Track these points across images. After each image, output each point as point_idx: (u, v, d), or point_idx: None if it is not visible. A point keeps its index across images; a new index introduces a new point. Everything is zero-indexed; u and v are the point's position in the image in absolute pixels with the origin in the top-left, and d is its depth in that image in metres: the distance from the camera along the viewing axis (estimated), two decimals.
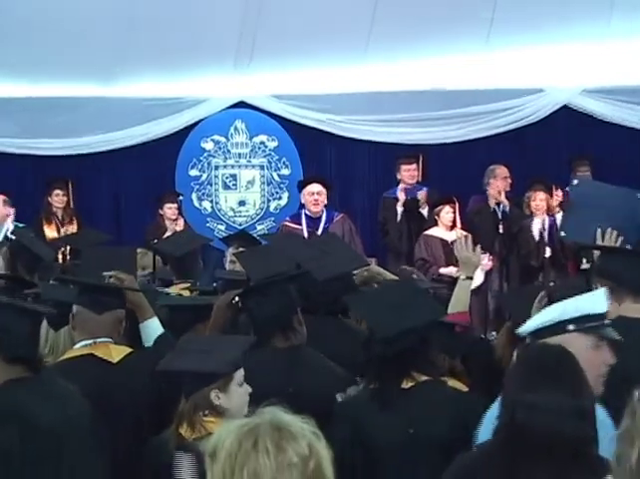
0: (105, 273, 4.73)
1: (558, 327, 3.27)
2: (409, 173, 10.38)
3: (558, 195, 10.01)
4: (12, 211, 9.96)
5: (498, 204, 9.93)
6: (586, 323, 3.28)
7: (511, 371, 3.08)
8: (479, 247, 5.29)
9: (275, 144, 11.37)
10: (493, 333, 8.07)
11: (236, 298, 4.58)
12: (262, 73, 10.91)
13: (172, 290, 6.12)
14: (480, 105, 11.15)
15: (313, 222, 9.82)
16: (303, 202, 10.03)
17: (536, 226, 9.93)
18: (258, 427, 2.21)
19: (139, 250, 6.40)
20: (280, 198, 11.40)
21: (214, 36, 10.43)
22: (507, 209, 9.93)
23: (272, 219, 11.34)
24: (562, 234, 5.66)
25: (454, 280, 5.31)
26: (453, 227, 9.86)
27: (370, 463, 3.78)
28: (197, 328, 4.72)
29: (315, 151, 11.41)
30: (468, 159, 11.15)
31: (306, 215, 9.89)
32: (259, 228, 11.23)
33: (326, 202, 9.93)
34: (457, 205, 9.93)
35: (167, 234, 9.47)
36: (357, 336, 4.36)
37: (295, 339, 4.28)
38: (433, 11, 10.32)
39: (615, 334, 3.33)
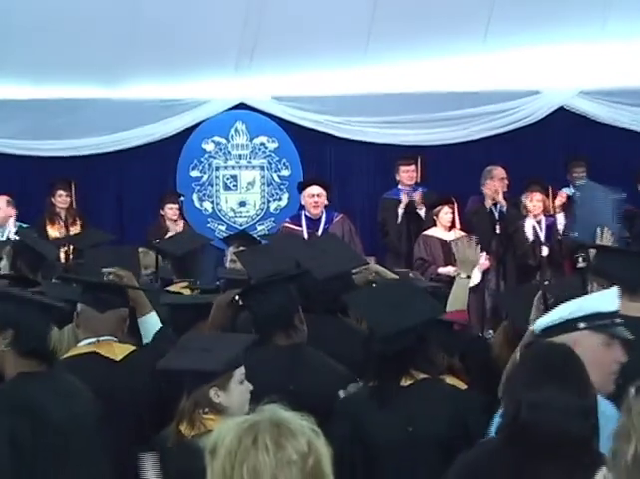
0: (103, 271, 4.75)
1: (569, 325, 3.28)
2: (407, 173, 10.42)
3: (563, 195, 10.06)
4: (14, 211, 10.01)
5: (496, 204, 9.96)
6: (597, 322, 3.29)
7: (516, 370, 3.11)
8: (478, 247, 5.34)
9: (275, 145, 11.38)
10: (491, 332, 8.09)
11: (236, 298, 4.59)
12: (263, 75, 10.91)
13: (174, 289, 6.14)
14: (477, 106, 11.17)
15: (313, 222, 9.86)
16: (303, 203, 10.07)
17: (530, 225, 9.93)
18: (258, 424, 2.22)
19: (140, 250, 6.46)
20: (280, 198, 11.42)
21: (216, 39, 10.44)
22: (505, 209, 9.95)
23: (272, 219, 11.36)
24: (574, 234, 5.66)
25: (451, 280, 5.34)
26: (451, 227, 9.87)
27: (369, 460, 3.80)
28: (199, 327, 4.73)
29: (315, 152, 11.42)
30: (466, 159, 11.14)
31: (306, 215, 9.93)
32: (260, 227, 11.24)
33: (326, 202, 9.96)
34: (455, 205, 9.94)
35: (170, 233, 9.46)
36: (356, 335, 4.40)
37: (296, 338, 4.30)
38: (431, 13, 10.34)
39: (627, 333, 3.33)
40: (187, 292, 6.06)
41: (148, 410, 4.25)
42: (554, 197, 10.13)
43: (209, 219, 11.37)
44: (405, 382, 3.83)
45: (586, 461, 2.70)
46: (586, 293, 4.05)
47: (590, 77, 11.16)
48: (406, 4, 10.36)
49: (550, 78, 11.20)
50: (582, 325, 3.27)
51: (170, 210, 10.39)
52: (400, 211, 10.28)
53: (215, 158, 11.37)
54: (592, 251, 4.74)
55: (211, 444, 2.24)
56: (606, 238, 4.75)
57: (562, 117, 11.39)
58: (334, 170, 11.43)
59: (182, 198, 10.77)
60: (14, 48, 10.29)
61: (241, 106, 11.31)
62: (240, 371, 3.64)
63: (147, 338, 4.60)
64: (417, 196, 10.26)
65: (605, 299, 3.39)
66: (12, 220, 9.97)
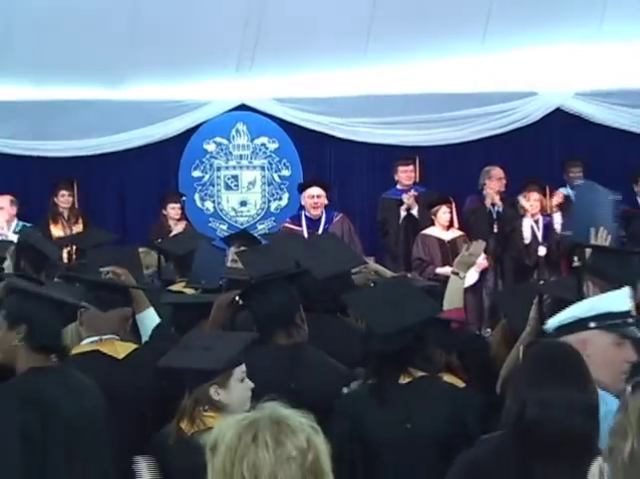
0: (102, 269, 4.82)
1: (581, 324, 3.29)
2: (406, 174, 10.47)
3: (559, 196, 10.09)
4: (15, 211, 10.05)
5: (494, 204, 10.01)
6: (608, 321, 3.29)
7: (518, 369, 3.13)
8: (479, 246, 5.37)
9: (276, 145, 11.40)
10: (488, 330, 8.17)
11: (237, 298, 4.57)
12: (263, 76, 10.94)
13: (175, 288, 6.16)
14: (475, 108, 11.19)
15: (313, 223, 9.90)
16: (303, 204, 10.11)
17: (527, 225, 9.96)
18: (258, 421, 2.22)
19: (141, 250, 6.46)
20: (281, 198, 11.44)
21: (216, 41, 10.46)
22: (502, 209, 10.00)
23: (273, 218, 11.38)
24: (568, 233, 5.66)
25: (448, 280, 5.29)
26: (449, 226, 9.91)
27: (368, 458, 3.82)
28: (201, 325, 4.71)
29: (315, 152, 11.44)
30: (464, 160, 11.19)
31: (306, 216, 9.97)
32: (260, 227, 11.26)
33: (326, 202, 10.01)
34: (453, 205, 9.97)
35: (172, 233, 9.46)
36: (356, 334, 4.38)
37: (297, 336, 4.30)
38: (429, 15, 10.37)
39: (638, 332, 3.33)
40: (188, 291, 6.06)
41: (150, 408, 4.25)
42: (551, 196, 10.14)
43: (211, 218, 11.39)
44: (403, 380, 3.86)
45: (590, 459, 2.67)
46: (581, 292, 4.06)
47: (586, 78, 11.18)
48: (404, 6, 10.39)
49: (547, 80, 11.22)
50: (593, 324, 3.29)
51: (172, 210, 10.42)
52: (403, 213, 10.31)
53: (216, 158, 11.38)
54: (588, 251, 4.70)
55: (212, 441, 2.24)
56: (602, 237, 4.71)
57: (559, 118, 11.42)
58: (334, 170, 11.46)
59: (184, 198, 10.81)
60: (16, 50, 10.31)
61: (242, 107, 11.32)
62: (240, 369, 3.65)
63: (145, 334, 4.65)
64: (409, 196, 10.30)
65: (617, 299, 3.39)
66: (15, 219, 10.04)
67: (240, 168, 11.46)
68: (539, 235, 9.96)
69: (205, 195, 11.42)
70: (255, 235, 8.48)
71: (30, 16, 10.06)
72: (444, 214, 9.92)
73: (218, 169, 11.42)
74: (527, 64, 10.98)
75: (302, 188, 10.20)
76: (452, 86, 11.11)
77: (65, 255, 8.52)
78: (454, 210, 9.99)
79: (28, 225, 9.88)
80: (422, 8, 10.35)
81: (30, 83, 10.83)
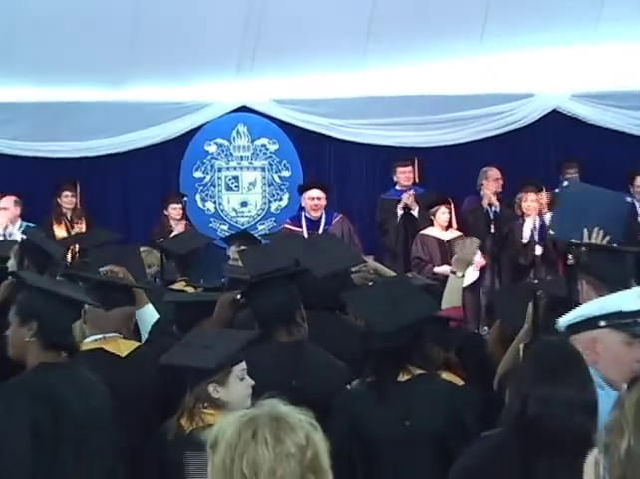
0: (101, 270, 4.84)
1: (591, 323, 3.28)
2: (404, 174, 10.50)
3: (542, 196, 10.05)
4: (19, 211, 10.12)
5: (491, 204, 10.04)
6: (618, 320, 3.27)
7: (520, 367, 3.13)
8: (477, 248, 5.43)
9: (276, 146, 11.40)
10: (486, 329, 8.23)
11: (238, 297, 4.61)
12: (264, 78, 10.95)
13: (177, 287, 6.21)
14: (473, 109, 11.18)
15: (313, 223, 9.97)
16: (303, 204, 10.19)
17: (528, 226, 9.99)
18: (257, 419, 2.22)
19: (142, 249, 6.49)
20: (281, 198, 11.44)
21: (217, 43, 10.47)
22: (499, 209, 10.03)
23: (273, 218, 11.39)
24: (551, 232, 5.59)
25: (447, 279, 5.32)
26: (448, 226, 9.96)
27: (367, 455, 3.84)
28: (203, 324, 4.72)
29: (314, 153, 11.45)
30: (462, 161, 11.19)
31: (306, 216, 10.04)
32: (261, 227, 11.28)
33: (325, 203, 10.07)
34: (451, 205, 10.02)
35: (174, 233, 9.44)
36: (354, 332, 4.40)
37: (298, 334, 4.30)
38: (427, 17, 10.38)
39: None
40: (189, 290, 6.10)
41: (153, 405, 4.27)
42: (548, 197, 10.14)
43: (212, 218, 11.40)
44: (402, 378, 3.89)
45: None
46: (574, 291, 4.08)
47: (583, 80, 11.18)
48: (403, 7, 10.42)
49: (544, 81, 11.23)
50: (603, 324, 3.28)
51: (174, 210, 10.44)
52: (399, 211, 10.34)
53: (218, 159, 11.39)
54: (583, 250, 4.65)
55: (212, 438, 2.25)
56: (597, 237, 4.63)
57: (556, 119, 11.42)
58: (333, 171, 11.48)
59: (186, 198, 10.82)
60: (18, 52, 10.31)
61: (243, 109, 11.33)
62: (240, 367, 3.67)
63: (144, 330, 4.69)
64: (407, 196, 10.33)
65: (627, 299, 3.38)
66: (19, 219, 10.10)
67: (241, 168, 11.47)
68: (536, 234, 9.98)
69: (207, 195, 11.43)
70: (256, 234, 8.50)
71: (31, 17, 10.07)
72: (442, 214, 9.97)
73: (219, 169, 11.43)
74: (525, 66, 10.98)
75: (302, 189, 10.27)
76: (450, 87, 11.12)
77: (68, 255, 8.59)
78: (452, 210, 10.02)
79: (32, 224, 9.90)
80: (420, 10, 10.36)
81: (32, 84, 10.83)
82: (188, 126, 11.26)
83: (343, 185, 11.43)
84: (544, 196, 10.04)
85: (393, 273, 6.04)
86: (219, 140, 11.40)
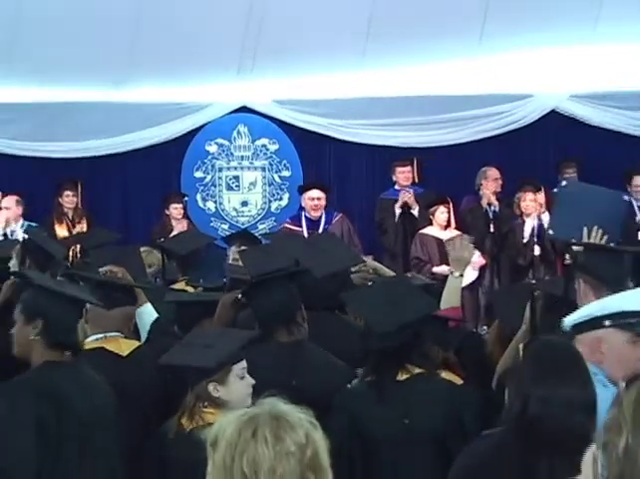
0: (100, 270, 4.84)
1: (596, 323, 3.27)
2: (403, 175, 10.51)
3: (540, 196, 10.05)
4: (21, 210, 10.13)
5: (490, 204, 10.05)
6: (623, 320, 3.26)
7: (520, 366, 3.11)
8: (472, 246, 5.42)
9: (276, 147, 11.42)
10: (485, 328, 8.24)
11: (239, 296, 4.61)
12: (264, 79, 10.97)
13: (177, 287, 6.23)
14: (472, 110, 11.19)
15: (313, 223, 10.00)
16: (303, 205, 10.21)
17: (529, 226, 9.99)
18: (257, 417, 2.22)
19: (143, 249, 6.52)
20: (281, 198, 11.47)
21: (218, 43, 10.50)
22: (498, 209, 10.05)
23: (273, 218, 11.42)
24: (550, 232, 5.53)
25: (447, 279, 5.33)
26: (447, 226, 9.97)
27: (367, 454, 3.84)
28: (204, 324, 4.74)
29: (314, 153, 11.47)
30: (461, 161, 11.21)
31: (306, 216, 10.06)
32: (261, 227, 11.30)
33: (325, 203, 10.10)
34: (451, 205, 10.04)
35: (174, 233, 9.46)
36: (354, 332, 4.39)
37: (298, 334, 4.30)
38: (426, 17, 10.39)
39: None
40: (189, 289, 6.13)
41: (153, 405, 4.27)
42: (546, 197, 10.13)
43: (212, 218, 11.43)
44: (401, 377, 3.90)
45: None
46: (570, 290, 4.07)
47: (581, 81, 11.19)
48: (402, 8, 10.42)
49: (542, 82, 11.24)
50: (608, 323, 3.26)
51: (175, 210, 10.46)
52: (397, 210, 10.36)
53: (218, 159, 11.42)
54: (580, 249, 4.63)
55: (212, 437, 2.24)
56: (595, 236, 4.62)
57: (554, 120, 11.43)
58: (333, 171, 11.50)
59: (186, 198, 10.85)
60: (20, 52, 10.34)
61: (243, 109, 11.35)
62: (240, 366, 3.67)
63: (143, 329, 4.71)
64: (406, 196, 10.35)
65: (632, 298, 3.38)
66: (21, 219, 10.13)
67: (241, 168, 11.49)
68: (535, 234, 9.99)
69: (207, 195, 11.46)
70: (256, 234, 8.52)
71: (32, 18, 10.10)
72: (441, 214, 9.99)
73: (220, 169, 11.46)
74: (523, 66, 11.00)
75: (302, 190, 10.30)
76: (449, 88, 11.14)
77: (70, 255, 8.58)
78: (451, 210, 10.04)
79: (33, 224, 9.95)
80: (419, 10, 10.37)
81: (32, 84, 10.85)
82: (189, 126, 11.29)
83: (343, 185, 11.45)
84: (542, 196, 10.05)
85: (392, 273, 6.06)
86: (220, 140, 11.42)
